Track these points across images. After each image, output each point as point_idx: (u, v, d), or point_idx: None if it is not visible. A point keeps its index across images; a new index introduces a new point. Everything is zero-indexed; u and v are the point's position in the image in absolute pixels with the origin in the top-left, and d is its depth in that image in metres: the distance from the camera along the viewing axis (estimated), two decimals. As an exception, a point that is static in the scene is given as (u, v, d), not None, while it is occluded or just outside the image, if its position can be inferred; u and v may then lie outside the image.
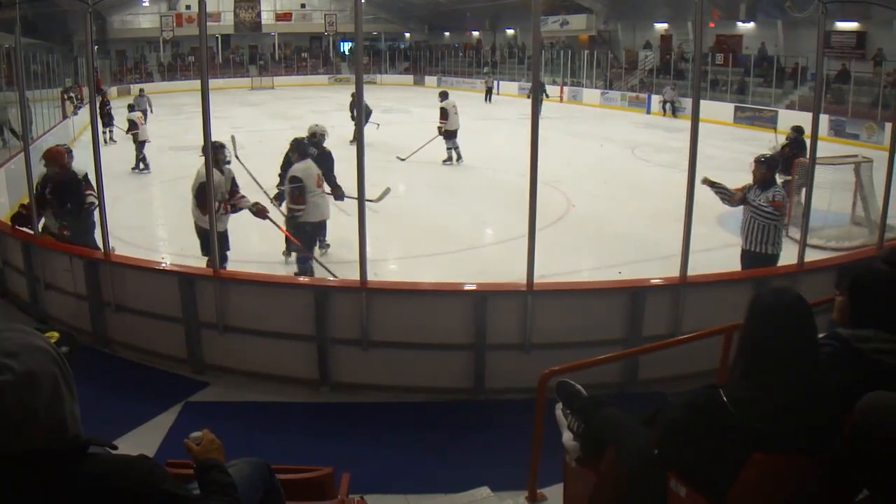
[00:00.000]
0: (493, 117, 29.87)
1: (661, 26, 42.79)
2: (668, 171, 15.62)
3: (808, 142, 12.80)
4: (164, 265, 8.93)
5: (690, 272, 7.39)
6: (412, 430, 6.81)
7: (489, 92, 43.34)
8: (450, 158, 20.19)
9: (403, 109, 36.16)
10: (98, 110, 20.62)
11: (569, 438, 3.96)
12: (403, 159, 18.32)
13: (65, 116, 23.11)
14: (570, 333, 7.19)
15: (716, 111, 29.54)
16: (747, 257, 8.89)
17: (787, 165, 13.21)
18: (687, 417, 3.00)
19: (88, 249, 8.96)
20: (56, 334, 2.49)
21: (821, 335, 3.06)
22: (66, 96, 28.45)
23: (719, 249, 11.45)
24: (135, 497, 2.18)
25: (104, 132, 24.30)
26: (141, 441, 6.09)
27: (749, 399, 2.84)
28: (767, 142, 20.61)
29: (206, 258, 9.19)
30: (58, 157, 9.51)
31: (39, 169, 9.64)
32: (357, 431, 6.83)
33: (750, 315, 2.97)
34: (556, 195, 15.04)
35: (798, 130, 13.64)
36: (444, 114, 20.14)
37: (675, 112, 33.73)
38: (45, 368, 2.10)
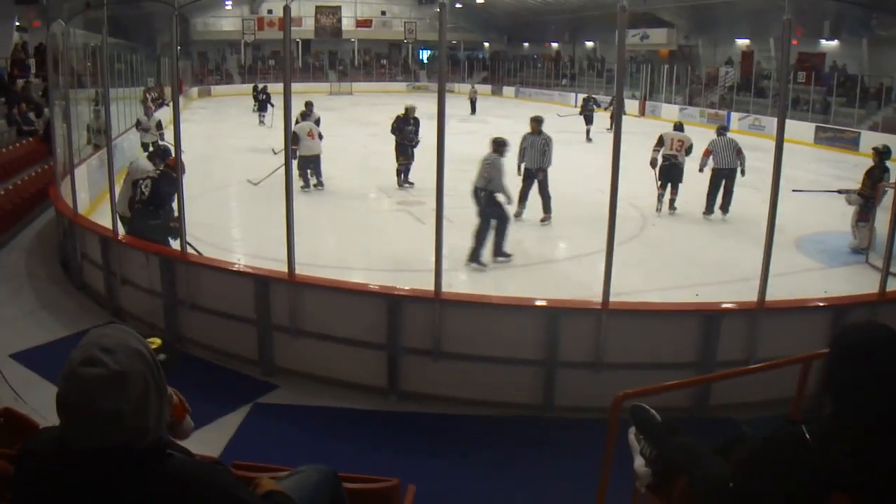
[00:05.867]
0: (571, 130, 29.72)
1: (742, 42, 42.17)
2: (747, 192, 15.35)
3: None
4: (239, 266, 9.00)
5: (767, 297, 7.24)
6: (479, 443, 6.78)
7: (473, 104, 41.08)
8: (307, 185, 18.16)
9: (481, 119, 36.18)
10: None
11: (640, 464, 3.88)
12: (256, 184, 17.26)
13: (146, 115, 23.54)
14: (643, 354, 7.12)
15: (796, 131, 28.76)
16: None
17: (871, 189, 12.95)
18: (766, 451, 2.90)
19: (165, 247, 9.10)
20: (158, 341, 2.52)
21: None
22: (147, 95, 29.03)
23: (797, 274, 11.23)
24: (204, 499, 2.20)
25: (260, 116, 33.36)
26: (208, 440, 6.13)
27: (833, 437, 2.73)
28: (854, 165, 20.23)
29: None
30: (170, 162, 9.76)
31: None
32: (424, 443, 6.84)
33: (837, 350, 2.85)
34: (632, 212, 14.87)
35: (882, 152, 13.25)
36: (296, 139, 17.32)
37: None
38: (138, 371, 2.12)
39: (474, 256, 11.71)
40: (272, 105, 32.17)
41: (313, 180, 17.89)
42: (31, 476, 2.23)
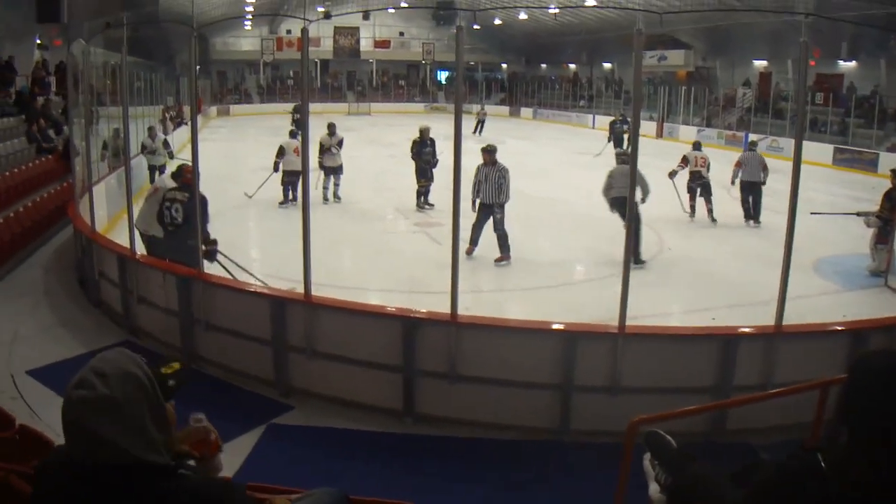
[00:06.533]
0: (589, 151, 29.72)
1: (759, 63, 42.10)
2: (766, 214, 15.38)
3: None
4: (255, 287, 9.01)
5: (784, 320, 7.19)
6: (494, 467, 6.76)
7: (481, 124, 40.02)
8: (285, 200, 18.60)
9: (499, 140, 36.14)
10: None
11: (655, 490, 3.85)
12: (251, 196, 18.92)
13: (165, 133, 23.74)
14: (659, 379, 7.07)
15: (814, 152, 28.42)
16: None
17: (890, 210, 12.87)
18: (779, 479, 2.86)
19: (183, 266, 9.10)
20: (176, 365, 2.51)
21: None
22: (166, 115, 29.27)
23: (814, 297, 11.16)
24: None
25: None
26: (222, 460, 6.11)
27: (848, 465, 2.70)
28: (871, 187, 20.14)
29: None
30: (188, 176, 9.74)
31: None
32: (439, 466, 6.80)
33: (855, 377, 2.81)
34: (649, 234, 14.81)
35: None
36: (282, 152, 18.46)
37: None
38: (131, 398, 2.13)
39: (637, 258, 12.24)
40: None
41: (290, 195, 18.32)
42: (45, 491, 2.26)
